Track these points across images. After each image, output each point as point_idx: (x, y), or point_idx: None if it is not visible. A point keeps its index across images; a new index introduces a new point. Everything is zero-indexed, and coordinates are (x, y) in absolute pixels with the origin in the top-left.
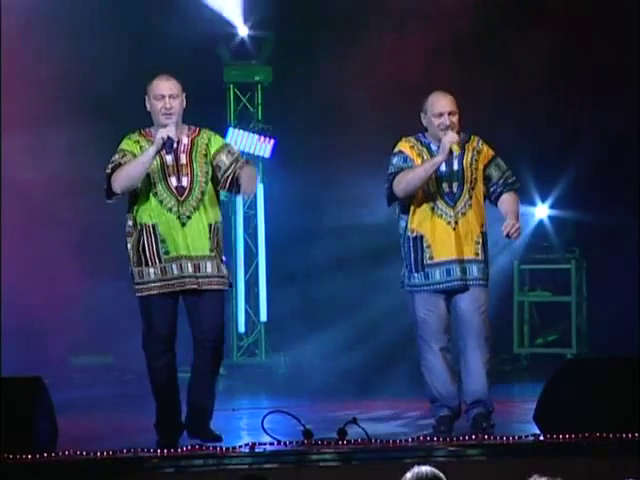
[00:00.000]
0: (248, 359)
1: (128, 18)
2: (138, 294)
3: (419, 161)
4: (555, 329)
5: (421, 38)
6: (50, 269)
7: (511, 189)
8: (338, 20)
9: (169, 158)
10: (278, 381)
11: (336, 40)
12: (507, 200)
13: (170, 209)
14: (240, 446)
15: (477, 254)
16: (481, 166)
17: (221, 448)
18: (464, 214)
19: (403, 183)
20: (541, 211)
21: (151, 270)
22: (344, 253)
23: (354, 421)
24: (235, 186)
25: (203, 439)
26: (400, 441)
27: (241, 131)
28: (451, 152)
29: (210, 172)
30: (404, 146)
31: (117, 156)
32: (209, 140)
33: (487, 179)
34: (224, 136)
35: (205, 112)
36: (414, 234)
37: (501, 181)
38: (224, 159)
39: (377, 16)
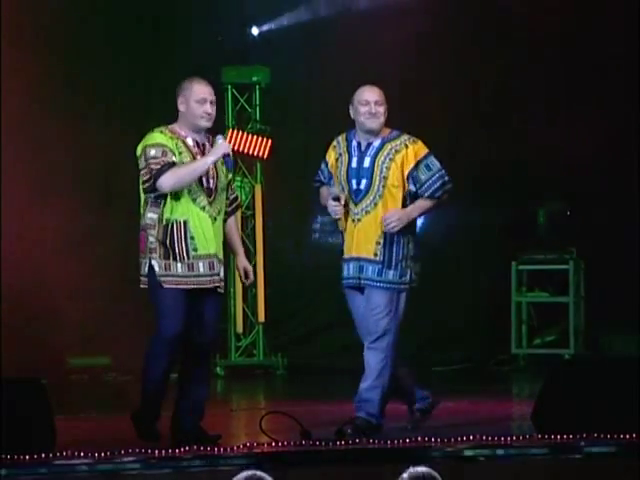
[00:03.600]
0: (246, 359)
1: (126, 19)
2: (166, 286)
3: (332, 160)
4: (553, 330)
5: (421, 37)
6: (49, 269)
7: (432, 196)
8: (336, 21)
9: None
10: (276, 382)
11: (334, 41)
12: (419, 202)
13: (203, 207)
14: (238, 447)
15: (375, 255)
16: (396, 166)
17: (219, 449)
18: (369, 212)
19: (321, 199)
20: (539, 211)
21: (179, 265)
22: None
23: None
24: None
25: (201, 439)
26: (398, 441)
27: (239, 131)
28: (368, 147)
29: (226, 180)
30: (328, 150)
31: (156, 151)
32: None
33: (415, 180)
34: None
35: None
36: (340, 229)
37: (427, 184)
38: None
39: (375, 16)
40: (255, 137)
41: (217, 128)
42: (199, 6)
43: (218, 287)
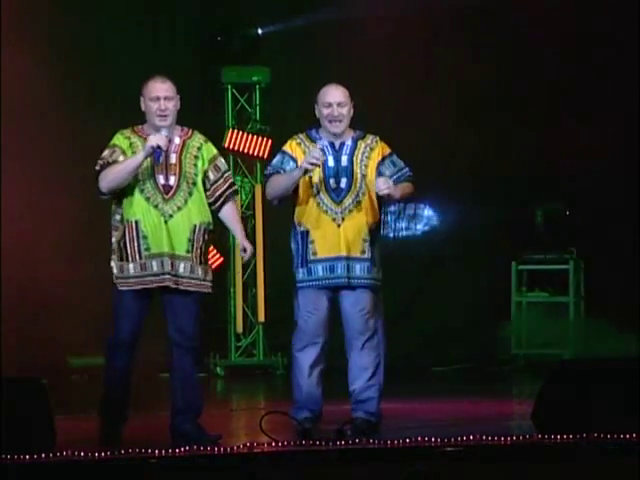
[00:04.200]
0: (246, 359)
1: (126, 18)
2: (120, 288)
3: (300, 159)
4: (553, 329)
5: (422, 36)
6: (49, 269)
7: (405, 181)
8: (336, 20)
9: (160, 159)
10: (276, 381)
11: (334, 40)
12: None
13: (156, 206)
14: (238, 446)
15: (363, 252)
16: (373, 164)
17: (219, 448)
18: (351, 211)
19: (270, 188)
20: (539, 211)
21: (131, 266)
22: None
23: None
24: (214, 205)
25: (198, 438)
26: (398, 441)
27: (239, 132)
28: (342, 146)
29: (199, 175)
30: (289, 145)
31: (107, 152)
32: (201, 145)
33: (380, 176)
34: (222, 137)
35: (203, 112)
36: (300, 229)
37: (394, 177)
38: (210, 175)
39: (376, 15)
40: (255, 137)
41: (217, 128)
42: (199, 6)
43: (180, 286)
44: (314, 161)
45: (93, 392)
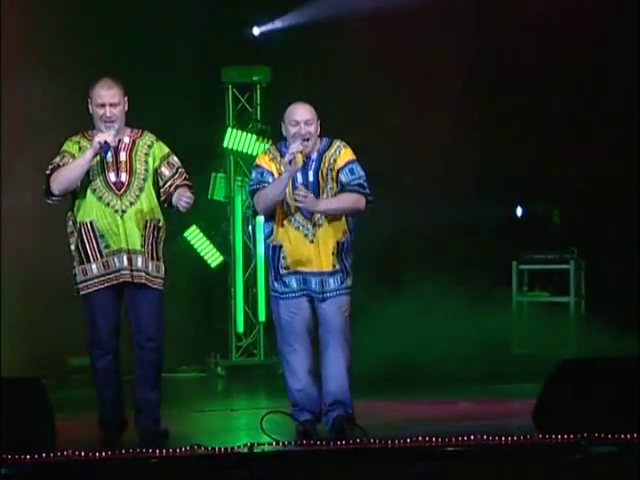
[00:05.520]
0: (247, 359)
1: (127, 18)
2: (82, 292)
3: (277, 173)
4: (554, 329)
5: (423, 36)
6: (50, 269)
7: (352, 190)
8: (337, 20)
9: (109, 155)
10: (277, 381)
11: (335, 40)
12: (339, 195)
13: (108, 204)
14: (239, 446)
15: (333, 266)
16: (336, 174)
17: (220, 448)
18: (320, 225)
19: (261, 202)
20: (540, 210)
21: (94, 266)
22: None
23: (352, 421)
24: (169, 201)
25: (149, 437)
26: (399, 441)
27: (239, 131)
28: (308, 161)
29: (150, 172)
30: (262, 159)
31: (57, 158)
32: (152, 143)
33: (337, 180)
34: (223, 136)
35: (204, 112)
36: (273, 243)
37: (347, 186)
38: (164, 171)
39: (377, 15)
40: (256, 137)
41: (218, 127)
42: (199, 6)
43: (145, 282)
44: (294, 151)
45: (93, 392)
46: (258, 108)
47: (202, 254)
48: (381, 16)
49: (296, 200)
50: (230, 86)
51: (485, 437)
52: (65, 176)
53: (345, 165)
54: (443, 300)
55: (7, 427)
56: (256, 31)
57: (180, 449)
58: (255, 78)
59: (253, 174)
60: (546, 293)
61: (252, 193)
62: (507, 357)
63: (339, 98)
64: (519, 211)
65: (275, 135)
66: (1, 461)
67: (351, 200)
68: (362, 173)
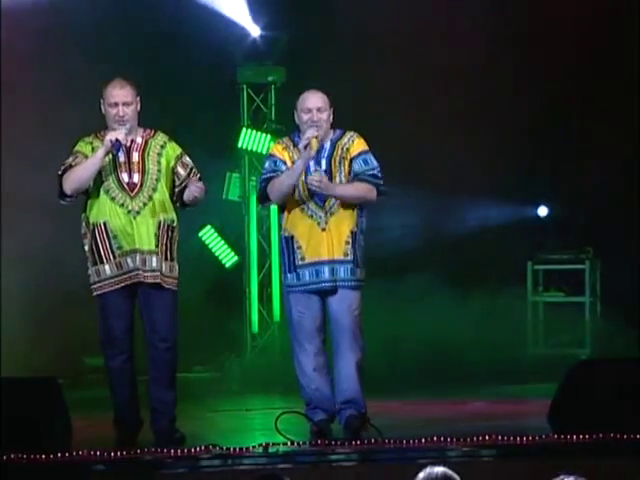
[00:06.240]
0: (261, 359)
1: (142, 19)
2: (96, 293)
3: (290, 162)
4: (569, 329)
5: (435, 36)
6: (65, 269)
7: (365, 180)
8: (351, 20)
9: (121, 155)
10: (291, 381)
11: (350, 40)
12: (353, 182)
13: (122, 205)
14: (254, 446)
15: (346, 254)
16: (349, 163)
17: (234, 448)
18: (333, 214)
19: (275, 190)
20: (556, 210)
21: (107, 267)
22: None
23: (367, 421)
24: (182, 199)
25: (165, 437)
26: (414, 441)
27: (254, 131)
28: (321, 150)
29: (163, 172)
30: (276, 149)
31: (70, 158)
32: (164, 144)
33: (351, 172)
34: (237, 137)
35: (218, 112)
36: (286, 234)
37: (360, 175)
38: (180, 170)
39: (390, 15)
40: (270, 137)
41: (232, 127)
42: (213, 7)
43: (160, 283)
44: (309, 136)
45: (109, 392)
46: (273, 108)
47: (217, 254)
48: (397, 15)
49: (311, 184)
50: (245, 86)
51: (500, 437)
52: (77, 176)
53: (359, 155)
54: (458, 300)
55: (23, 426)
56: (269, 32)
57: (195, 449)
58: (270, 78)
59: (266, 164)
60: (561, 293)
61: (265, 181)
62: (522, 357)
63: (354, 98)
64: (534, 211)
65: (290, 135)
66: (17, 460)
67: (364, 189)
68: (376, 164)
